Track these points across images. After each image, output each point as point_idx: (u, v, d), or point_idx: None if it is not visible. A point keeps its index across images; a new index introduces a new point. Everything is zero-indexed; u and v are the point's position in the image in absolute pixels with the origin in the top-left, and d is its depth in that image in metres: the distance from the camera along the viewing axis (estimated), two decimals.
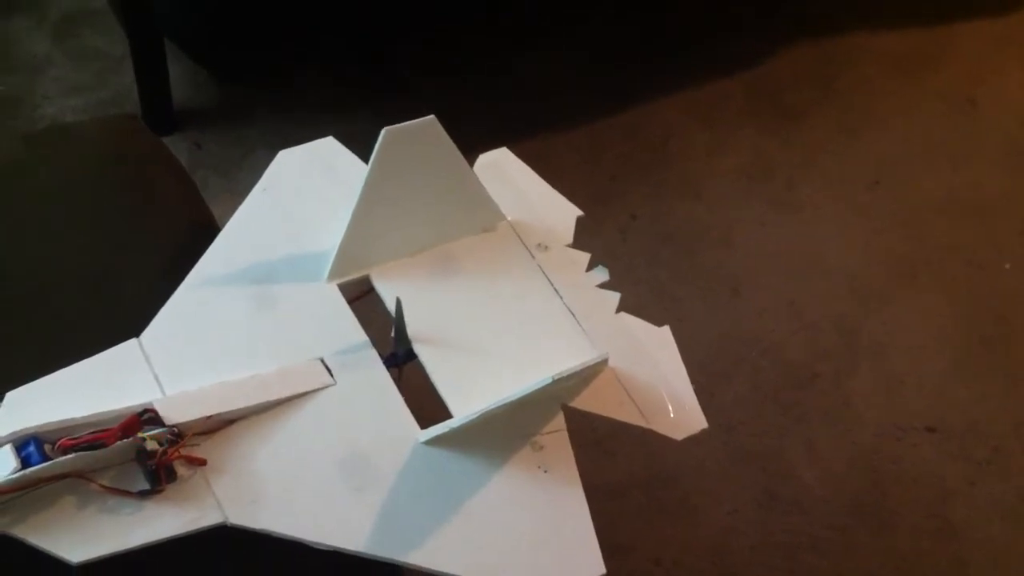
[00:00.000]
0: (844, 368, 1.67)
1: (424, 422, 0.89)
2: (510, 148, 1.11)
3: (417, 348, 0.92)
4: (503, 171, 1.09)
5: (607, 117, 1.95)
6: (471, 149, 1.03)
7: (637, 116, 1.96)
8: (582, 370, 0.89)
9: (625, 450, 1.52)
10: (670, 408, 0.94)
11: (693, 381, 0.96)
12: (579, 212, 1.07)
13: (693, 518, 1.51)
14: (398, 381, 0.91)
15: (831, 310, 1.74)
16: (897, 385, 1.66)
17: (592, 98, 1.98)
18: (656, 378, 0.95)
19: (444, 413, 0.89)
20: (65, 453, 0.77)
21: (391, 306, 0.92)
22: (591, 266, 1.02)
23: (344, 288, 0.96)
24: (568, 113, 1.94)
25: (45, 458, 0.77)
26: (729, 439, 1.58)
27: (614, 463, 1.51)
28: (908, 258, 1.82)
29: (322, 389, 0.89)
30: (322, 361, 0.90)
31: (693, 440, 0.93)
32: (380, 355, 0.92)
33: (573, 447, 0.90)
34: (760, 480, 1.55)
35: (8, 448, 0.76)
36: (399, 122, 0.93)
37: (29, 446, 0.77)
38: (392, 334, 0.92)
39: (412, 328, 0.92)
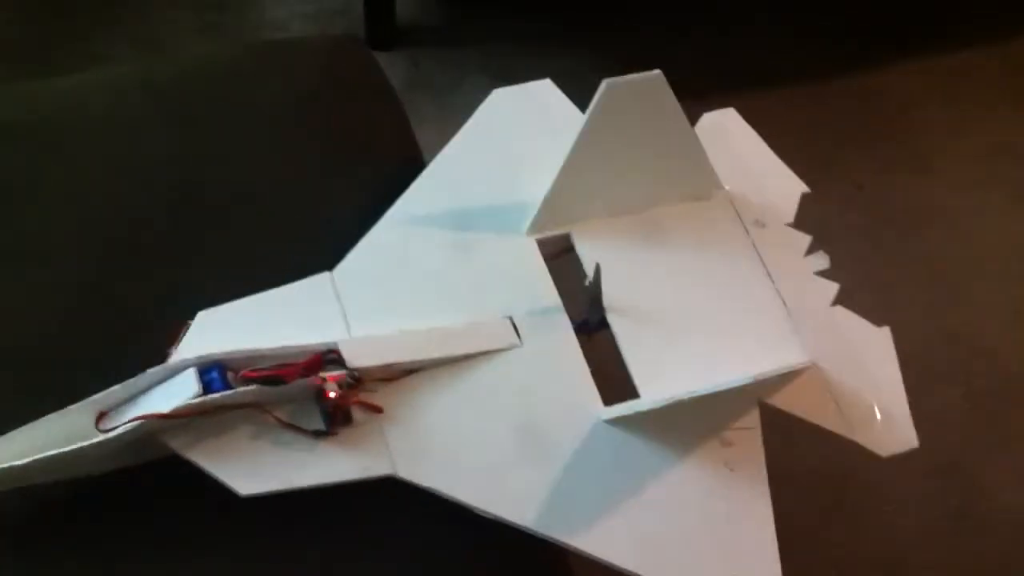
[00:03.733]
0: None
1: (608, 397, 0.84)
2: (734, 104, 1.03)
3: (611, 318, 0.87)
4: (727, 134, 1.01)
5: (841, 79, 1.82)
6: (693, 101, 0.95)
7: (874, 82, 1.82)
8: (785, 373, 0.82)
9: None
10: (878, 419, 0.86)
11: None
12: (805, 188, 0.99)
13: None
14: (586, 350, 0.86)
15: None
16: None
17: (827, 58, 1.85)
18: (867, 385, 0.87)
19: (631, 390, 0.84)
20: (247, 383, 0.77)
21: (589, 269, 0.87)
22: (811, 250, 0.94)
23: (542, 244, 0.91)
24: (800, 71, 1.82)
25: (227, 386, 0.76)
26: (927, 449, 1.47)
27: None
28: None
29: (507, 349, 0.85)
30: (511, 320, 0.87)
31: None
32: (571, 320, 0.87)
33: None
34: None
35: (192, 371, 0.76)
36: (619, 64, 0.87)
37: (212, 372, 0.76)
38: (587, 299, 0.87)
39: (608, 296, 0.87)
